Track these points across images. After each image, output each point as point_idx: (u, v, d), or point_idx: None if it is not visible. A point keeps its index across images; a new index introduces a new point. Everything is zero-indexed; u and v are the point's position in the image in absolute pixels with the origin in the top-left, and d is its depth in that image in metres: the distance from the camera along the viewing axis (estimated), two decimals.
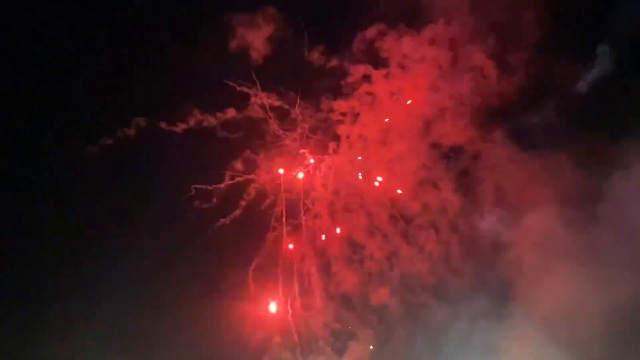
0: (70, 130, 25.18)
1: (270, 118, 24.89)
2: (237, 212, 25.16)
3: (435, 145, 26.09)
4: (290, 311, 25.44)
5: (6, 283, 23.98)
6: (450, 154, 26.18)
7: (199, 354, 24.89)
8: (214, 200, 24.77)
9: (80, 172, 24.97)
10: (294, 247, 25.94)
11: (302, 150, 25.97)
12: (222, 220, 25.00)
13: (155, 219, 24.97)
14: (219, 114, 24.40)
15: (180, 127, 24.54)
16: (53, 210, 24.44)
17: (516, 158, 25.42)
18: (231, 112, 24.50)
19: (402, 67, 25.01)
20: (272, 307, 25.71)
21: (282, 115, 25.23)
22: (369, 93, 25.08)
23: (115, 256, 24.77)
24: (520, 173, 25.46)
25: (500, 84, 24.84)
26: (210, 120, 24.61)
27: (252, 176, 25.48)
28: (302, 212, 25.90)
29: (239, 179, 25.18)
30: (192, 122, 24.65)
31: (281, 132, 25.40)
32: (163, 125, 24.39)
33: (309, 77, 24.48)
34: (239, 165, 25.20)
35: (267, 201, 25.76)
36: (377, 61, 24.82)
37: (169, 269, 24.87)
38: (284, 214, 25.84)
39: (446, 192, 26.19)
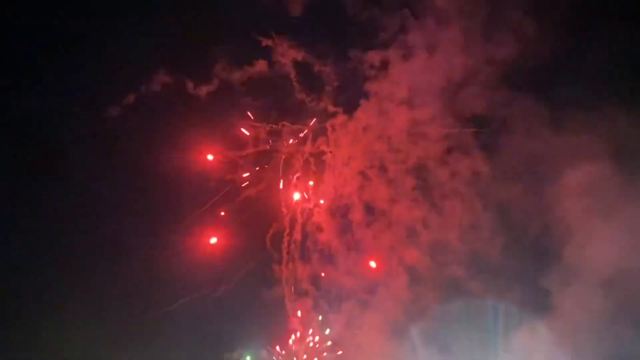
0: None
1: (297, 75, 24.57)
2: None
3: (465, 108, 25.35)
4: None
5: None
6: (481, 118, 25.35)
7: None
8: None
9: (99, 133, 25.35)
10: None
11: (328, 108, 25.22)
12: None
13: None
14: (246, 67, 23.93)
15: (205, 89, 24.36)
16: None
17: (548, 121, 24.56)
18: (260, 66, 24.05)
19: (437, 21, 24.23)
20: None
21: (310, 72, 24.64)
22: (402, 48, 24.37)
23: None
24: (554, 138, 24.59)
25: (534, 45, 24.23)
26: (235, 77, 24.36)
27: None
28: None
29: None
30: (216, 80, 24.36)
31: (307, 90, 24.91)
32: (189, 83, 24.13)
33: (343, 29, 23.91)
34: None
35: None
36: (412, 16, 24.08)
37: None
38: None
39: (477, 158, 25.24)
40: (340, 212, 25.89)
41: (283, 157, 26.26)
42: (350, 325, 24.10)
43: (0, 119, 24.76)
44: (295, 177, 26.34)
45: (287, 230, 25.60)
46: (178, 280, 26.00)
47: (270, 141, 26.16)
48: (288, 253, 25.29)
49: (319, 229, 25.74)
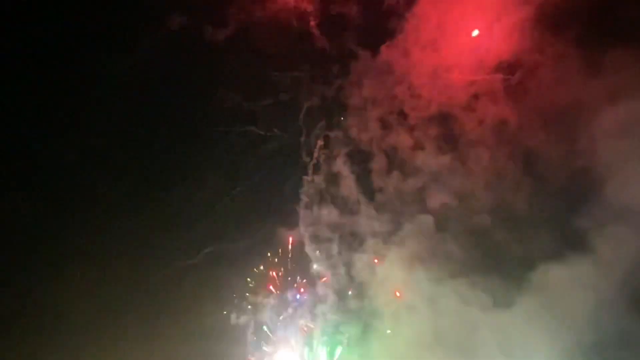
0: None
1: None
2: None
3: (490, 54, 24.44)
4: None
5: None
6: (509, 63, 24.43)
7: None
8: None
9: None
10: None
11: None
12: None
13: None
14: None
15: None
16: None
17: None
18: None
19: None
20: None
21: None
22: None
23: None
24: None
25: None
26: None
27: None
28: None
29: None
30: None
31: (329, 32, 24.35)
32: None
33: None
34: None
35: None
36: None
37: None
38: None
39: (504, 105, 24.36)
40: (361, 159, 25.29)
41: (305, 105, 25.67)
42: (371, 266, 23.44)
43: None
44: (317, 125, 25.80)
45: (309, 178, 25.18)
46: (200, 232, 26.04)
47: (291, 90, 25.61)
48: (309, 198, 24.85)
49: (340, 175, 25.17)
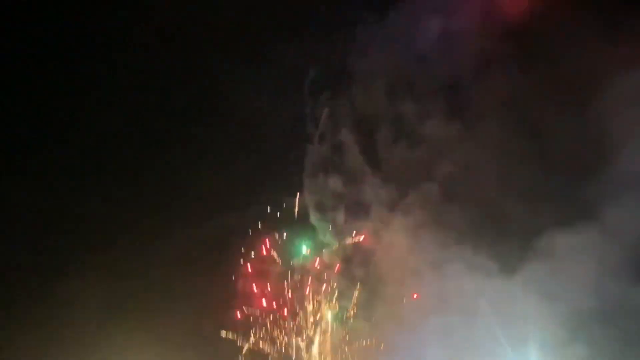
0: None
1: None
2: None
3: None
4: None
5: None
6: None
7: None
8: None
9: None
10: None
11: None
12: None
13: None
14: None
15: None
16: None
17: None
18: None
19: None
20: None
21: None
22: None
23: None
24: None
25: None
26: None
27: None
28: None
29: None
30: None
31: None
32: None
33: None
34: None
35: None
36: None
37: None
38: None
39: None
40: (367, 128, 25.14)
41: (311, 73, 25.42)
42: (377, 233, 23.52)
43: None
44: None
45: (314, 145, 25.11)
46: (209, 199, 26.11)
47: None
48: (313, 166, 24.80)
49: (345, 145, 25.06)
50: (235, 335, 24.21)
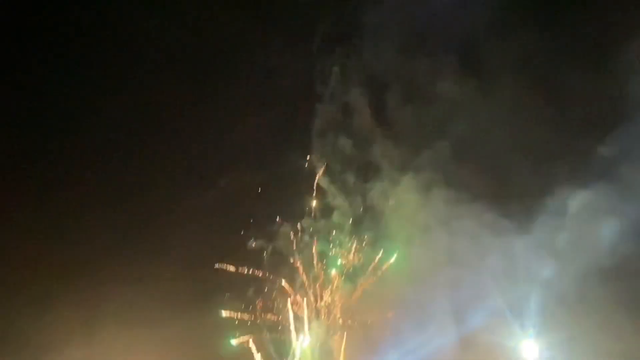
0: None
1: None
2: None
3: None
4: None
5: None
6: None
7: None
8: None
9: None
10: None
11: None
12: None
13: None
14: None
15: None
16: None
17: None
18: None
19: None
20: None
21: None
22: None
23: None
24: None
25: None
26: None
27: None
28: None
29: None
30: None
31: None
32: None
33: None
34: None
35: None
36: None
37: None
38: None
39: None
40: (378, 87, 24.69)
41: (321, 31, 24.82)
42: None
43: None
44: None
45: (323, 105, 24.80)
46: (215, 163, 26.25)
47: None
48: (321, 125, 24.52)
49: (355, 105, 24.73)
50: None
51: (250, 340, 23.33)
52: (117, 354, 22.34)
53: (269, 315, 24.05)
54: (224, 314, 23.73)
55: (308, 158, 25.13)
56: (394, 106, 24.54)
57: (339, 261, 24.56)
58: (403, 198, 23.03)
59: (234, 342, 23.40)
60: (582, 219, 20.70)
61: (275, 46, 25.31)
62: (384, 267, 23.60)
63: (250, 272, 24.18)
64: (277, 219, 24.63)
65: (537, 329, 20.31)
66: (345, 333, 23.51)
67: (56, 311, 21.94)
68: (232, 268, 24.27)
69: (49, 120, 25.05)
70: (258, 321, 23.89)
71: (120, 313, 22.26)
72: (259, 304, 24.04)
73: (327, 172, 25.01)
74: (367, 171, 24.20)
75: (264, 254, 24.32)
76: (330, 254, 24.57)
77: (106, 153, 26.29)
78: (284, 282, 24.44)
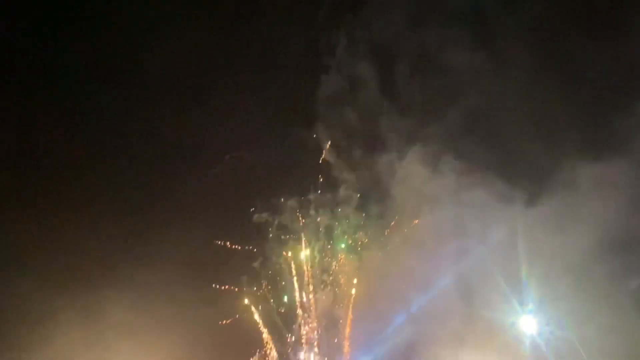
0: None
1: None
2: None
3: None
4: None
5: None
6: None
7: None
8: None
9: None
10: None
11: None
12: None
13: None
14: None
15: None
16: None
17: None
18: None
19: None
20: None
21: None
22: None
23: None
24: None
25: None
26: None
27: None
28: None
29: None
30: None
31: None
32: None
33: None
34: None
35: None
36: None
37: None
38: None
39: None
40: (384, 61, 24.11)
41: None
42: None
43: None
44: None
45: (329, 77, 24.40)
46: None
47: None
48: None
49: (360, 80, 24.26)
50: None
51: (256, 313, 23.91)
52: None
53: (275, 288, 24.48)
54: (228, 287, 24.01)
55: (314, 132, 24.91)
56: (401, 77, 24.04)
57: (345, 236, 24.73)
58: (410, 170, 22.69)
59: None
60: (590, 192, 20.23)
61: (280, 15, 24.80)
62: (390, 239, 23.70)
63: (256, 246, 24.41)
64: (283, 194, 24.75)
65: (537, 304, 20.35)
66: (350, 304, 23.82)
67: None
68: (237, 243, 24.49)
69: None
70: (262, 293, 24.30)
71: (130, 286, 22.38)
72: (264, 277, 24.37)
73: (334, 146, 24.90)
74: (375, 144, 23.89)
75: (270, 229, 24.56)
76: (336, 228, 24.71)
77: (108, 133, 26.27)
78: (289, 253, 24.80)
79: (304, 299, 24.33)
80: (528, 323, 20.46)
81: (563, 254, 20.20)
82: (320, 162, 25.09)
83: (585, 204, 20.35)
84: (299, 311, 24.28)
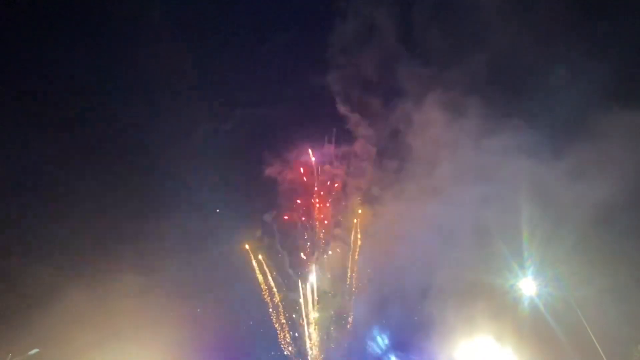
0: None
1: None
2: None
3: None
4: None
5: None
6: None
7: None
8: None
9: None
10: None
11: None
12: None
13: None
14: None
15: None
16: None
17: None
18: None
19: None
20: None
21: None
22: None
23: None
24: None
25: None
26: None
27: None
28: None
29: None
30: None
31: None
32: None
33: None
34: None
35: None
36: None
37: None
38: None
39: None
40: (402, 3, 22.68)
41: None
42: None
43: None
44: None
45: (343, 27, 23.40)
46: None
47: None
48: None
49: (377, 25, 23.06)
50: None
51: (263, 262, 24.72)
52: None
53: (287, 239, 25.02)
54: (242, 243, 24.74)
55: (328, 80, 24.50)
56: (420, 21, 23.10)
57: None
58: (430, 117, 22.14)
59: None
60: (606, 149, 19.62)
61: None
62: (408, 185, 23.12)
63: (267, 200, 25.00)
64: (295, 146, 25.03)
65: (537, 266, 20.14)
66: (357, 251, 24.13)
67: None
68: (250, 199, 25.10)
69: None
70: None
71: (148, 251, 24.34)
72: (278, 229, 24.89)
73: (349, 96, 24.40)
74: (392, 93, 23.38)
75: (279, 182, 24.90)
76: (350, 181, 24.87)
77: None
78: (299, 201, 25.10)
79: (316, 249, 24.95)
80: (527, 285, 20.37)
81: (569, 213, 19.90)
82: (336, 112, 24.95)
83: (599, 161, 19.80)
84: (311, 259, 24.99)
